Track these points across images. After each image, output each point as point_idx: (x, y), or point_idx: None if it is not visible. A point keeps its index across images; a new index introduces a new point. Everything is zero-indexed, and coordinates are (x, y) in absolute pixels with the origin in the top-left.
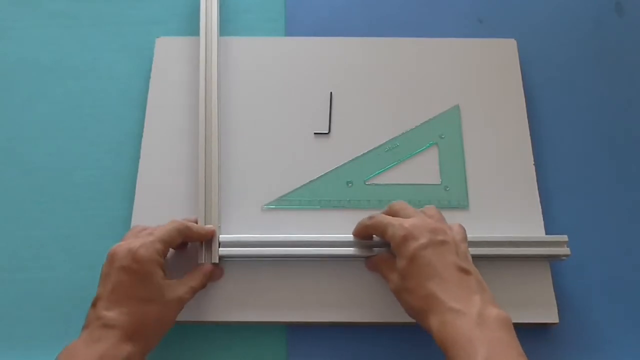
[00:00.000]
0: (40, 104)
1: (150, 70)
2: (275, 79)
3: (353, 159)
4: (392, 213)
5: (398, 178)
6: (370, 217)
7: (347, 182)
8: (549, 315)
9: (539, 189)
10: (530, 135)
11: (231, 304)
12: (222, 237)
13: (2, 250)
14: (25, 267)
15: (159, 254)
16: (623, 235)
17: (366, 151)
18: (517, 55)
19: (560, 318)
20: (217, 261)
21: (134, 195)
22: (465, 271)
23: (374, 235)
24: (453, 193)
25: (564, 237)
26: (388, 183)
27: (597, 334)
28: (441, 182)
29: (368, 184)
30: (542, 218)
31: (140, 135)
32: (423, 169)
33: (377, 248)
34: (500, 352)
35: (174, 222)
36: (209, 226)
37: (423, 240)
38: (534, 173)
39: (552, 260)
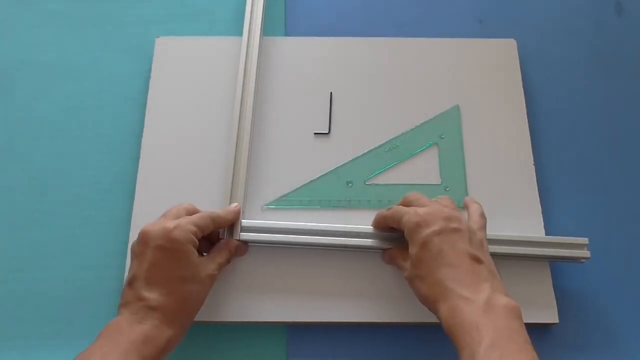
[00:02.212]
0: (41, 104)
1: (150, 70)
2: (275, 79)
3: (353, 159)
4: (407, 203)
5: (398, 178)
6: (389, 208)
7: (347, 182)
8: (549, 315)
9: (539, 189)
10: (530, 135)
11: (231, 304)
12: (243, 221)
13: (2, 250)
14: (25, 267)
15: (194, 234)
16: (623, 234)
17: (366, 151)
18: (517, 55)
19: (560, 318)
20: (238, 237)
21: (134, 195)
22: (477, 259)
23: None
24: (453, 193)
25: (585, 240)
26: (388, 183)
27: (597, 334)
28: (441, 182)
29: (368, 184)
30: (542, 218)
31: (140, 135)
32: (423, 169)
33: (395, 241)
34: (505, 338)
35: (206, 211)
36: (233, 206)
37: (436, 227)
38: (534, 173)
39: (570, 262)
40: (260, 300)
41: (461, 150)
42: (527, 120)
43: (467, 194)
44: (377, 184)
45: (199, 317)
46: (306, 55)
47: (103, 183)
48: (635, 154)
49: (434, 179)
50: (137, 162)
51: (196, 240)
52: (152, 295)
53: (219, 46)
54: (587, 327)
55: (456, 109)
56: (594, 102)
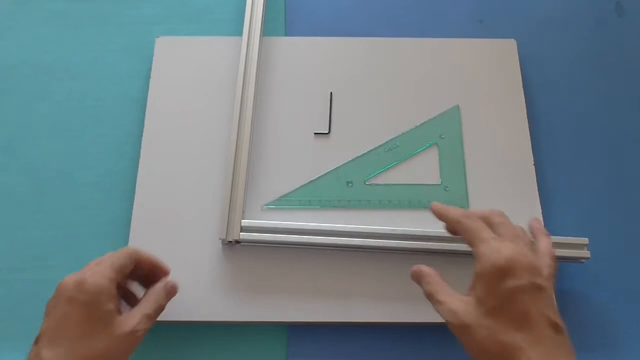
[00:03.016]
0: (40, 104)
1: (150, 70)
2: (275, 79)
3: (353, 159)
4: (487, 222)
5: (398, 178)
6: (467, 216)
7: (347, 182)
8: None
9: (539, 189)
10: (530, 135)
11: (231, 304)
12: (243, 221)
13: (2, 250)
14: (25, 267)
15: (110, 281)
16: (623, 234)
17: (366, 151)
18: (517, 55)
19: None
20: (238, 237)
21: (134, 195)
22: (557, 328)
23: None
24: (453, 193)
25: (585, 240)
26: (388, 183)
27: (597, 334)
28: (441, 182)
29: (368, 184)
30: (542, 218)
31: (140, 135)
32: (423, 169)
33: (397, 241)
34: None
35: (126, 248)
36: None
37: (523, 281)
38: (534, 173)
39: (570, 262)
40: (260, 300)
41: (461, 150)
42: (527, 120)
43: (467, 194)
44: (377, 184)
45: (200, 317)
46: (306, 55)
47: (103, 183)
48: (635, 154)
49: (434, 179)
50: (137, 162)
51: (112, 289)
52: (51, 355)
53: (219, 46)
54: (587, 327)
55: (456, 109)
56: (594, 102)
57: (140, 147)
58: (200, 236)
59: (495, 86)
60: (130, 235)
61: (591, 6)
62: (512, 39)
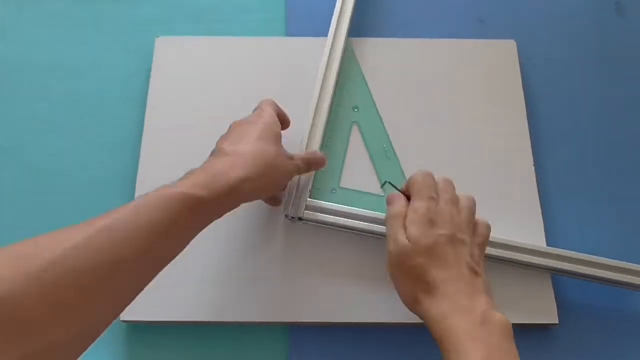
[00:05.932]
0: (40, 104)
1: (150, 70)
2: (275, 79)
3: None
4: (412, 191)
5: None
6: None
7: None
8: (549, 315)
9: (539, 190)
10: (530, 135)
11: (232, 304)
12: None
13: None
14: None
15: (275, 116)
16: (623, 235)
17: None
18: (517, 55)
19: (560, 319)
20: (301, 215)
21: (134, 195)
22: (475, 272)
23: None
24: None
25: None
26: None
27: (597, 334)
28: None
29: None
30: (542, 219)
31: (140, 135)
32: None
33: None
34: (498, 357)
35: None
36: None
37: (445, 231)
38: (534, 174)
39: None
40: (261, 300)
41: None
42: (527, 120)
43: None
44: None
45: (200, 317)
46: (306, 55)
47: (103, 183)
48: (635, 154)
49: None
50: (137, 162)
51: (278, 122)
52: (230, 148)
53: (219, 46)
54: (587, 327)
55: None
56: (594, 102)
57: (140, 147)
58: (198, 237)
59: (495, 86)
60: None
61: (591, 6)
62: (512, 40)
